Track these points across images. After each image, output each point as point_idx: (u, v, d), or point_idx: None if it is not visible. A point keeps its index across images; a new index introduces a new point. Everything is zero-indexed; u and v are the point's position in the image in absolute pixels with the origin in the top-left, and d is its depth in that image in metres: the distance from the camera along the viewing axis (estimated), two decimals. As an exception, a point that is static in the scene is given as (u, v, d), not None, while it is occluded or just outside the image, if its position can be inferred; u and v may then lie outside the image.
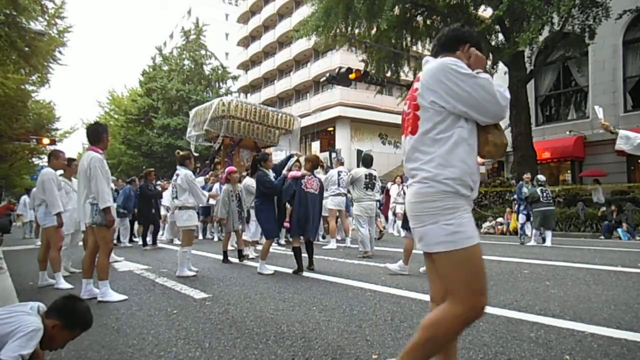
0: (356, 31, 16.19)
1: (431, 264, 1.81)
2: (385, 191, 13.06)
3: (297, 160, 7.01)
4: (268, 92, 39.62)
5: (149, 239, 9.33)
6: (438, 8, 14.78)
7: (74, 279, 5.11)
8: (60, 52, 13.98)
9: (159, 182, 11.95)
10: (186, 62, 33.17)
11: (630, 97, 16.21)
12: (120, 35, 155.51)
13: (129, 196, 9.62)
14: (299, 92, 36.67)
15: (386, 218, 13.48)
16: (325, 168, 10.65)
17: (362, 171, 7.36)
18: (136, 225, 10.92)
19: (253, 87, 43.17)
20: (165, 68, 33.65)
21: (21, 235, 13.87)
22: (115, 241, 8.96)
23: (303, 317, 3.35)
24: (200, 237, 11.24)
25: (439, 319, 1.63)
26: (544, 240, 9.12)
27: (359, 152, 20.97)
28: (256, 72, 41.81)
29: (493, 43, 14.95)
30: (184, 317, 3.43)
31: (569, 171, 18.12)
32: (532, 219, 9.51)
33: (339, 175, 8.85)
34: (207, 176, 10.61)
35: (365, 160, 7.60)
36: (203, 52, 33.54)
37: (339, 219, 9.32)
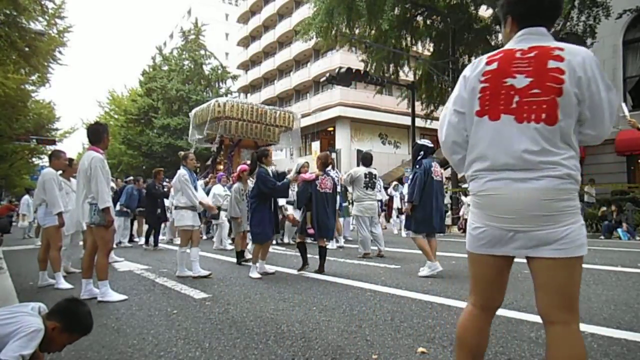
0: (356, 31, 16.20)
1: (502, 270, 1.59)
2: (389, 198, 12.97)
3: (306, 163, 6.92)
4: (268, 92, 39.60)
5: (152, 239, 9.24)
6: (438, 8, 14.81)
7: (74, 279, 5.11)
8: (60, 52, 14.04)
9: (165, 182, 11.93)
10: (186, 62, 33.18)
11: (630, 97, 16.19)
12: (120, 35, 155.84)
13: (131, 195, 9.61)
14: (299, 92, 36.65)
15: (387, 219, 13.47)
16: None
17: (362, 170, 7.26)
18: (135, 225, 10.91)
19: (253, 87, 43.17)
20: (165, 68, 33.68)
21: (21, 235, 13.86)
22: (114, 245, 8.90)
23: (303, 317, 3.35)
24: (204, 237, 11.21)
25: (581, 345, 1.44)
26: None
27: (359, 152, 20.98)
28: (256, 72, 41.81)
29: (493, 43, 14.95)
30: (184, 317, 3.43)
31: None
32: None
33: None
34: (207, 179, 10.62)
35: (364, 159, 7.47)
36: (202, 52, 33.57)
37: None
